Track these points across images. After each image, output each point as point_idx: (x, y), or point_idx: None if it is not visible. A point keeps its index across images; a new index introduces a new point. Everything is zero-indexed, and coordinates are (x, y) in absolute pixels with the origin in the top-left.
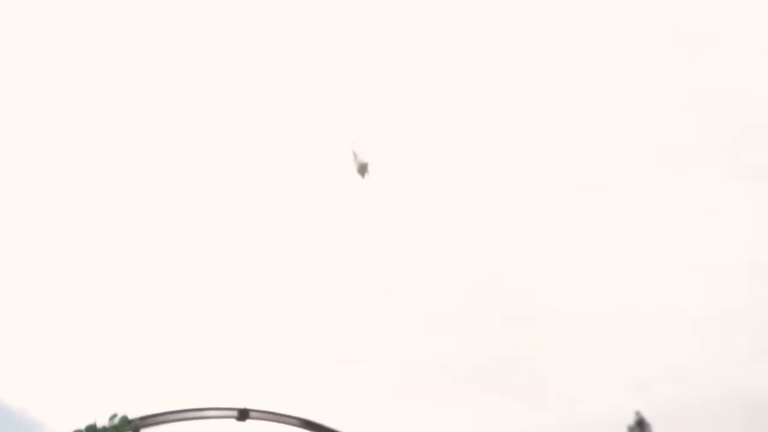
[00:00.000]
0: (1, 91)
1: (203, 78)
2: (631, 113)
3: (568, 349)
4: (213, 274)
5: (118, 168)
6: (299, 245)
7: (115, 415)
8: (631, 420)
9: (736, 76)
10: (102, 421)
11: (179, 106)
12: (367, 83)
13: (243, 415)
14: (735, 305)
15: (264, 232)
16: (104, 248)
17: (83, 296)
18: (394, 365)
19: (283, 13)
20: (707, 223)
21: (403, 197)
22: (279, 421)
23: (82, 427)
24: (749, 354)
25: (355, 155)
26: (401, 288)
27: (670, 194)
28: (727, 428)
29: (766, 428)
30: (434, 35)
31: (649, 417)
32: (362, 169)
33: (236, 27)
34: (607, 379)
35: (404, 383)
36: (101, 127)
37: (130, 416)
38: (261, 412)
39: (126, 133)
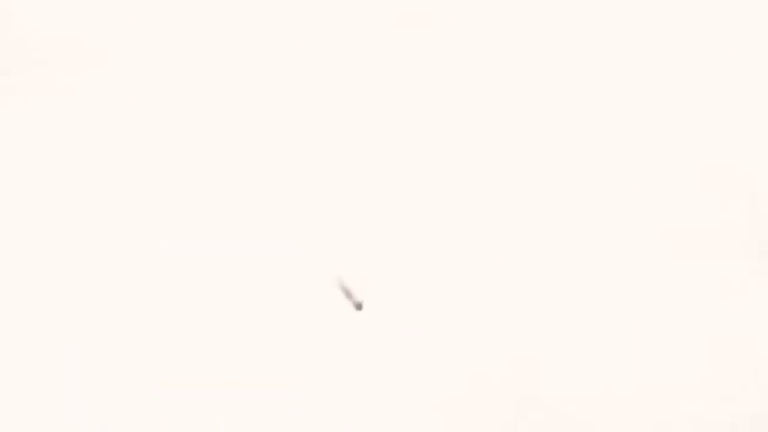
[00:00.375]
0: None
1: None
2: (649, 197)
3: None
4: (218, 378)
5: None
6: (301, 333)
7: None
8: None
9: (754, 154)
10: None
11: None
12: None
13: None
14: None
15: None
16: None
17: None
18: None
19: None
20: (732, 305)
21: (412, 289)
22: None
23: None
24: None
25: (348, 293)
26: (413, 381)
27: (691, 277)
28: None
29: None
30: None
31: None
32: (358, 307)
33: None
34: None
35: None
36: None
37: None
38: None
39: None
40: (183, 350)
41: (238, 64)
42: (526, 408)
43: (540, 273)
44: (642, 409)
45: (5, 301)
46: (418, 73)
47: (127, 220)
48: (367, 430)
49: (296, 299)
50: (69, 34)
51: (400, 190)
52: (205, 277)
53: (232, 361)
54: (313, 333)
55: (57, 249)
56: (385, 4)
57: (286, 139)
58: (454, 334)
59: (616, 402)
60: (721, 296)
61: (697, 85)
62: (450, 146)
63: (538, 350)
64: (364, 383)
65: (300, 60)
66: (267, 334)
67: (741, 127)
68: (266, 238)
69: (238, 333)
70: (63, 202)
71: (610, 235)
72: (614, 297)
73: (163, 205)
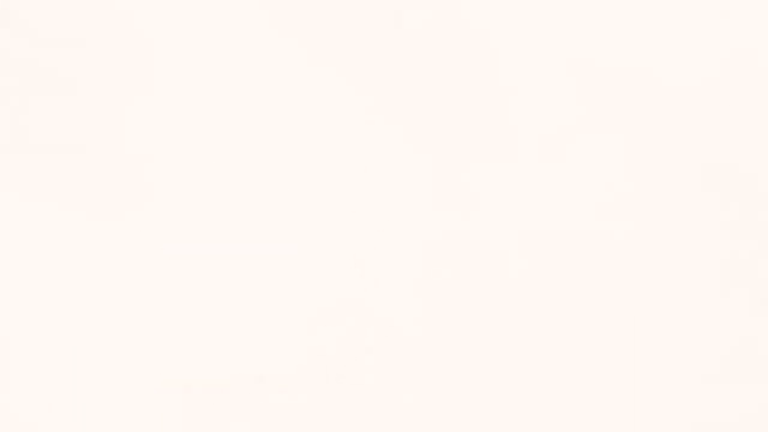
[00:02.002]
0: None
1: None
2: (649, 197)
3: None
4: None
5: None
6: (301, 333)
7: None
8: None
9: (754, 154)
10: None
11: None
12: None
13: None
14: None
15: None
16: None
17: None
18: None
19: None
20: (732, 305)
21: (412, 288)
22: None
23: None
24: None
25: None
26: (412, 380)
27: (692, 277)
28: None
29: None
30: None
31: None
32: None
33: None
34: None
35: None
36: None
37: None
38: None
39: None
40: (183, 350)
41: (238, 63)
42: (527, 410)
43: (540, 273)
44: (642, 408)
45: (5, 301)
46: (418, 73)
47: (127, 220)
48: (368, 427)
49: (296, 299)
50: (69, 34)
51: (400, 190)
52: (205, 277)
53: (231, 361)
54: (313, 333)
55: (57, 249)
56: (386, 4)
57: (286, 139)
58: (453, 333)
59: (615, 402)
60: (721, 296)
61: (697, 85)
62: (450, 146)
63: (537, 350)
64: (364, 383)
65: (300, 60)
66: (267, 334)
67: (741, 127)
68: (266, 238)
69: (238, 333)
70: (63, 202)
71: (610, 235)
72: (614, 297)
73: (163, 205)
